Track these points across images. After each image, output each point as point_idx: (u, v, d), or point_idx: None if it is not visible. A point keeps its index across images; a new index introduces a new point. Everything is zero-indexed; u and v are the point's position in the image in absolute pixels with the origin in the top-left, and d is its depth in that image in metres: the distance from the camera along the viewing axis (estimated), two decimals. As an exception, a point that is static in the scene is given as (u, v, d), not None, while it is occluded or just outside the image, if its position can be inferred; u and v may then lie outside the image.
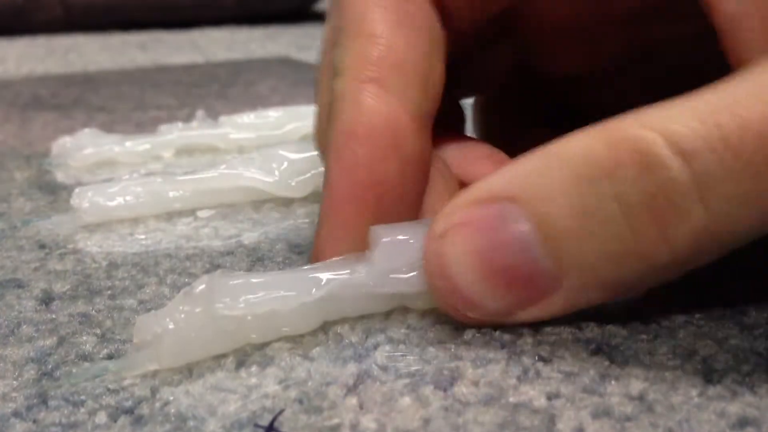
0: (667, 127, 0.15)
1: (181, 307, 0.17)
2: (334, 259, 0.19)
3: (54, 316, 0.20)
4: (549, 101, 0.26)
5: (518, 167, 0.16)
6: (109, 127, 0.40)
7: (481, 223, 0.16)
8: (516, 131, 0.25)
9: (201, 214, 0.26)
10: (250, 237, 0.24)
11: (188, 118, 0.36)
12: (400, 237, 0.18)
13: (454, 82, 0.21)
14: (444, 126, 0.21)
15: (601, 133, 0.16)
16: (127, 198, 0.26)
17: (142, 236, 0.25)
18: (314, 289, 0.18)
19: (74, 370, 0.17)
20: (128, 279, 0.22)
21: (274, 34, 0.86)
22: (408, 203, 0.19)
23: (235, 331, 0.17)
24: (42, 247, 0.24)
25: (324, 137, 0.20)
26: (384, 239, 0.18)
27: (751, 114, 0.14)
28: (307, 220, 0.26)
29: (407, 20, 0.19)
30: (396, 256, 0.18)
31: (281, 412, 0.15)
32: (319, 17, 1.00)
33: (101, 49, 0.75)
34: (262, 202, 0.27)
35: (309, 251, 0.23)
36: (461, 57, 0.22)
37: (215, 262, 0.23)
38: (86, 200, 0.26)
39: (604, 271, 0.16)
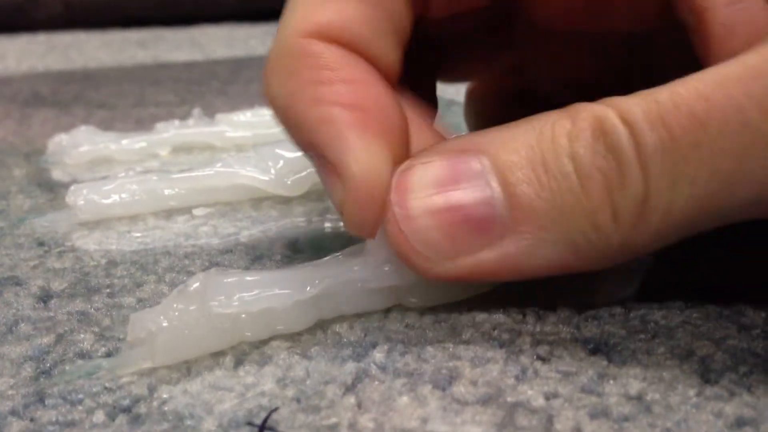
0: (621, 104, 0.16)
1: (175, 305, 0.17)
2: (326, 258, 0.19)
3: (52, 314, 0.20)
4: (543, 101, 0.26)
5: (491, 130, 0.17)
6: (108, 124, 0.40)
7: (445, 162, 0.17)
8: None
9: (197, 212, 0.27)
10: (249, 235, 0.24)
11: (188, 116, 0.36)
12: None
13: (440, 64, 0.22)
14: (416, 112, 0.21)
15: (565, 110, 0.17)
16: (123, 195, 0.26)
17: (141, 234, 0.25)
18: (309, 287, 0.18)
19: (68, 368, 0.17)
20: (127, 277, 0.22)
21: (274, 31, 0.86)
22: (399, 128, 0.18)
23: (229, 328, 0.17)
24: (41, 244, 0.24)
25: (271, 82, 0.19)
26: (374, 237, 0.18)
27: (688, 92, 0.15)
28: (305, 219, 0.26)
29: None
30: (386, 252, 0.18)
31: (275, 409, 0.15)
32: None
33: (101, 46, 0.75)
34: (261, 200, 0.27)
35: (307, 248, 0.23)
36: (451, 42, 0.23)
37: (214, 261, 0.23)
38: (82, 198, 0.26)
39: (554, 224, 0.16)
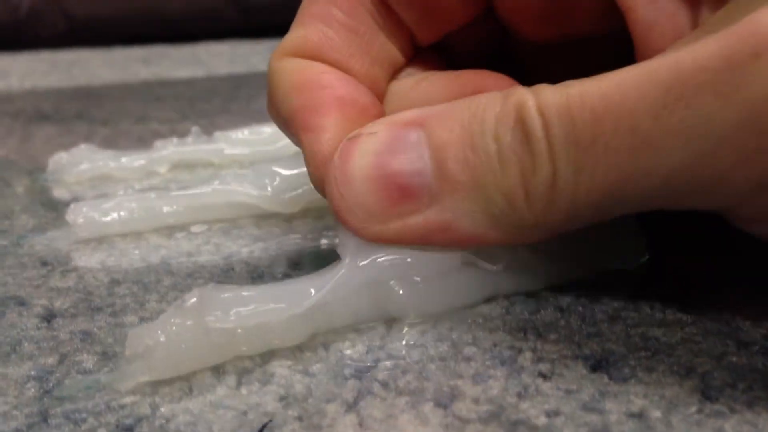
0: (542, 93, 0.17)
1: (172, 320, 0.18)
2: (318, 272, 0.20)
3: (55, 334, 0.20)
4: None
5: (436, 106, 0.19)
6: (111, 141, 0.40)
7: (388, 133, 0.18)
8: None
9: (194, 229, 0.27)
10: (250, 253, 0.25)
11: (187, 133, 0.36)
12: (375, 250, 0.19)
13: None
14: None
15: (504, 92, 0.18)
16: (122, 213, 0.26)
17: (144, 253, 0.25)
18: (303, 301, 0.18)
19: (67, 382, 0.17)
20: (129, 296, 0.22)
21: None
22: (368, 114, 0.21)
23: (226, 343, 0.18)
24: (44, 264, 0.24)
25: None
26: (352, 242, 0.19)
27: (594, 89, 0.16)
28: (306, 236, 0.26)
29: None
30: (367, 251, 0.19)
31: (269, 422, 0.16)
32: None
33: (104, 64, 0.76)
34: (262, 218, 0.27)
35: (308, 266, 0.23)
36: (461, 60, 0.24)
37: (216, 279, 0.23)
38: (81, 216, 0.26)
39: (475, 198, 0.18)
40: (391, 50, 0.23)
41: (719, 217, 0.18)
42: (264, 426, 0.15)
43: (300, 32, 0.22)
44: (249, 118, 0.38)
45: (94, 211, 0.26)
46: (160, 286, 0.22)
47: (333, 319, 0.19)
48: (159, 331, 0.17)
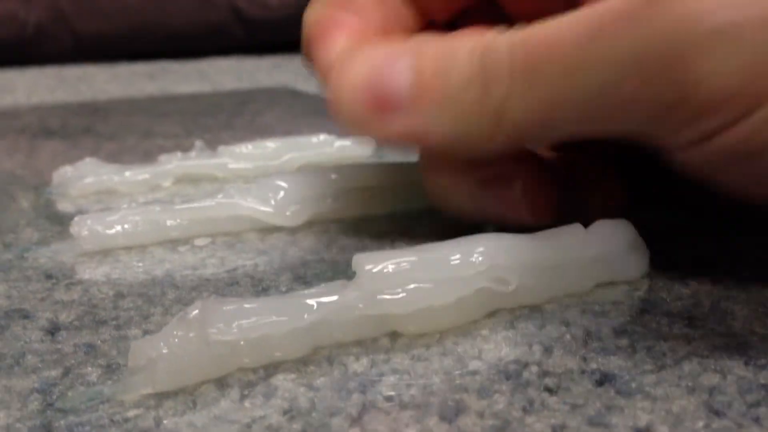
0: (505, 32, 0.20)
1: (175, 332, 0.18)
2: (323, 285, 0.20)
3: (59, 347, 0.20)
4: None
5: (434, 38, 0.22)
6: (116, 157, 0.40)
7: (383, 53, 0.22)
8: None
9: (198, 242, 0.27)
10: (255, 267, 0.25)
11: (192, 148, 0.36)
12: (383, 263, 0.19)
13: None
14: None
15: (479, 33, 0.21)
16: (126, 226, 0.26)
17: (149, 266, 0.25)
18: (306, 314, 0.18)
19: (70, 394, 0.17)
20: (134, 309, 0.22)
21: (280, 63, 0.87)
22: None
23: (227, 355, 0.18)
24: (49, 277, 0.24)
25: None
26: (367, 266, 0.19)
27: (549, 29, 0.19)
28: (312, 250, 0.26)
29: None
30: (382, 280, 0.19)
31: None
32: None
33: (110, 79, 0.76)
34: (267, 232, 0.27)
35: (314, 280, 0.23)
36: None
37: (221, 293, 0.23)
38: (85, 228, 0.26)
39: (444, 107, 0.21)
40: (406, 18, 0.26)
41: (724, 232, 0.18)
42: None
43: None
44: (253, 134, 0.38)
45: (98, 224, 0.26)
46: (165, 299, 0.22)
47: (335, 333, 0.19)
48: (161, 343, 0.17)
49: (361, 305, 0.19)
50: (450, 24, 0.27)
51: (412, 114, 0.21)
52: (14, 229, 0.29)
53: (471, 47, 0.21)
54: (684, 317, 0.20)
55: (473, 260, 0.20)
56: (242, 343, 0.18)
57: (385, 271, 0.19)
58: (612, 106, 0.19)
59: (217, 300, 0.18)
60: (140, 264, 0.25)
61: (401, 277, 0.19)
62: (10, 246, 0.27)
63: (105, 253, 0.26)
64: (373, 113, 0.22)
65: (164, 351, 0.17)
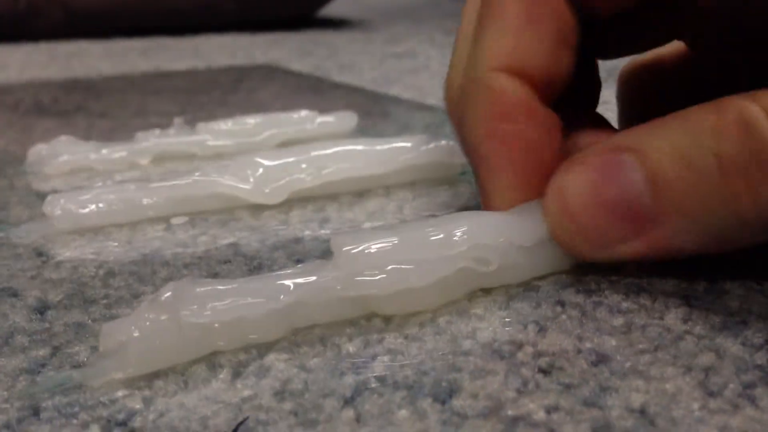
0: (762, 98, 0.17)
1: (146, 315, 0.17)
2: (299, 266, 0.19)
3: (48, 326, 0.19)
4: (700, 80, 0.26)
5: (641, 127, 0.19)
6: (109, 134, 0.39)
7: (598, 163, 0.19)
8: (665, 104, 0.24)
9: (175, 221, 0.26)
10: (248, 245, 0.24)
11: (189, 125, 0.36)
12: (362, 244, 0.19)
13: (605, 44, 0.25)
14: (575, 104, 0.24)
15: (713, 104, 0.18)
16: (100, 205, 0.26)
17: (140, 244, 0.25)
18: (282, 296, 0.18)
19: (38, 379, 0.17)
20: (124, 288, 0.21)
21: (276, 40, 0.86)
22: (547, 165, 0.21)
23: (201, 338, 0.17)
24: (39, 255, 0.24)
25: (455, 105, 0.23)
26: (345, 247, 0.19)
27: None
28: (305, 227, 0.26)
29: (538, 13, 0.22)
30: (360, 261, 0.19)
31: (246, 419, 0.15)
32: (321, 24, 0.99)
33: (104, 56, 0.75)
34: (260, 209, 0.27)
35: (307, 258, 0.23)
36: (613, 22, 0.24)
37: (213, 270, 0.22)
38: (58, 207, 0.25)
39: (698, 216, 0.18)
40: (569, 30, 0.22)
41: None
42: (240, 424, 0.15)
43: (509, 41, 0.22)
44: (248, 111, 0.38)
45: (71, 203, 0.26)
46: (156, 277, 0.22)
47: (313, 314, 0.19)
48: (132, 327, 0.17)
49: (339, 286, 0.18)
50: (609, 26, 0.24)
51: (656, 227, 0.19)
52: (6, 207, 0.29)
53: (714, 127, 0.17)
54: (680, 296, 0.20)
55: (455, 240, 0.19)
56: (216, 325, 0.17)
57: (364, 251, 0.19)
58: None
59: (191, 281, 0.18)
60: (131, 242, 0.25)
61: (380, 258, 0.19)
62: (0, 223, 0.27)
63: (96, 230, 0.26)
64: (610, 234, 0.19)
65: (135, 334, 0.17)
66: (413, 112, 0.45)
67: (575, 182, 0.19)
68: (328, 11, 1.07)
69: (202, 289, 0.18)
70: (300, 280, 0.18)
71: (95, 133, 0.40)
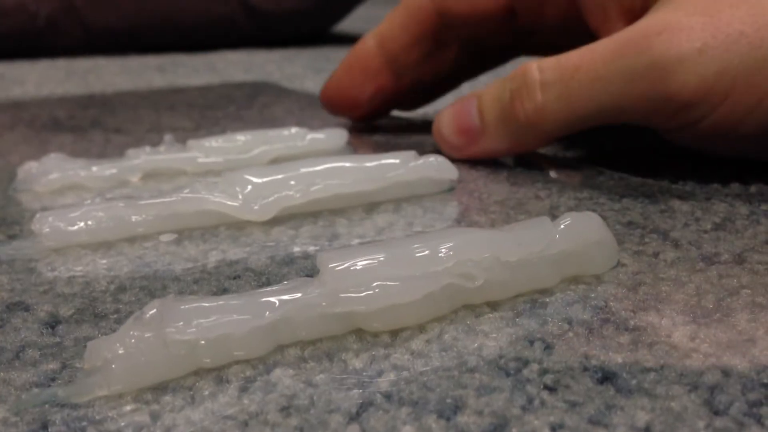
0: (542, 59, 0.31)
1: (131, 332, 0.17)
2: (285, 282, 0.20)
3: (59, 340, 0.20)
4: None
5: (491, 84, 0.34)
6: (123, 149, 0.40)
7: (457, 104, 0.35)
8: None
9: (163, 238, 0.26)
10: (257, 261, 0.24)
11: (180, 142, 0.36)
12: (348, 261, 0.19)
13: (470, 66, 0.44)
14: None
15: (520, 66, 0.32)
16: (89, 223, 0.26)
17: (152, 259, 0.25)
18: (267, 312, 0.18)
19: (24, 396, 0.17)
20: (135, 303, 0.22)
21: (290, 56, 0.87)
22: (362, 86, 0.43)
23: (186, 355, 0.17)
24: (51, 270, 0.24)
25: None
26: (331, 264, 0.19)
27: (575, 55, 0.30)
28: (315, 243, 0.26)
29: (409, 20, 0.41)
30: (345, 277, 0.19)
31: None
32: (336, 40, 1.00)
33: (120, 72, 0.76)
34: (270, 225, 0.27)
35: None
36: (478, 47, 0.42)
37: (222, 286, 0.23)
38: (47, 225, 0.26)
39: (502, 127, 0.33)
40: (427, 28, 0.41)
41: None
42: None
43: (387, 26, 0.41)
44: (262, 126, 0.38)
45: (59, 220, 0.26)
46: (166, 292, 0.22)
47: (298, 331, 0.19)
48: (117, 344, 0.17)
49: (324, 303, 0.19)
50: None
51: (483, 137, 0.34)
52: (20, 222, 0.29)
53: (511, 76, 0.32)
54: (687, 314, 0.20)
55: (440, 256, 0.20)
56: (202, 342, 0.17)
57: (350, 268, 0.19)
58: (624, 105, 0.29)
59: (176, 298, 0.18)
60: (143, 257, 0.25)
61: (366, 274, 0.19)
62: (17, 238, 0.27)
63: (108, 246, 0.26)
64: (460, 141, 0.34)
65: (120, 351, 0.17)
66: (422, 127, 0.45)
67: (444, 114, 0.35)
68: (341, 28, 1.08)
69: (187, 306, 0.18)
70: (285, 297, 0.18)
71: (110, 148, 0.41)
